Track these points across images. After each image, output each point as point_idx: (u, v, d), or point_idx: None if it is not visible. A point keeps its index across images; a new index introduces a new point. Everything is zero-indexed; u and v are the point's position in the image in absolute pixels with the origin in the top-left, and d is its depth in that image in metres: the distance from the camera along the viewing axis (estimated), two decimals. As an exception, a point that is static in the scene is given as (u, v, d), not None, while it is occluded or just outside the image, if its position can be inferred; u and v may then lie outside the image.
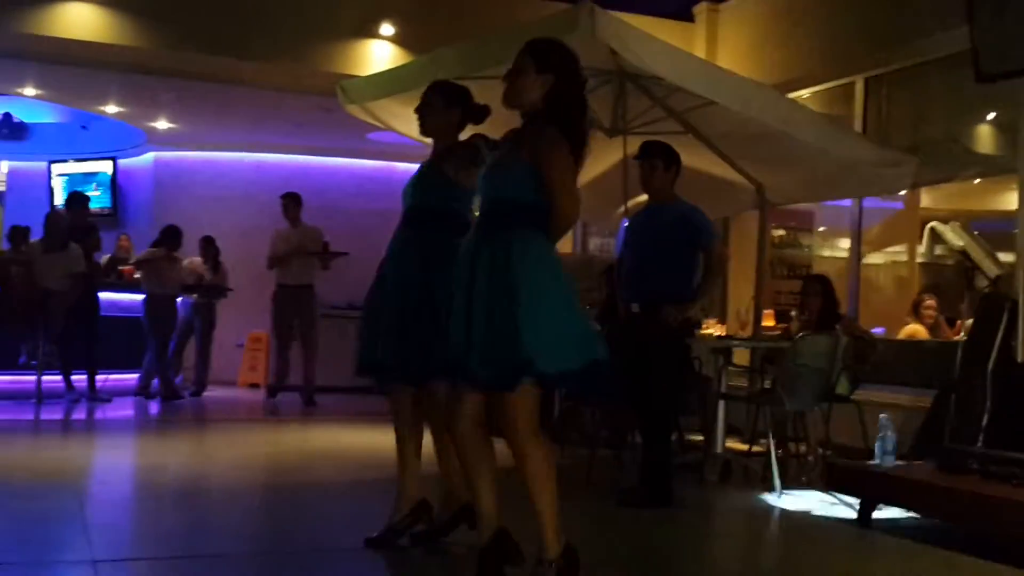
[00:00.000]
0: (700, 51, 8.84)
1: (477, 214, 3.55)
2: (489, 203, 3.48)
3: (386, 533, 4.06)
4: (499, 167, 3.50)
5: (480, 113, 4.15)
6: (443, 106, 4.15)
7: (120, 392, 9.88)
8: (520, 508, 3.34)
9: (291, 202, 10.33)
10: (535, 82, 3.44)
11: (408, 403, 4.11)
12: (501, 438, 3.35)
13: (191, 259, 10.66)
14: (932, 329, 7.31)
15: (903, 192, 8.00)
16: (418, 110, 4.21)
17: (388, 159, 12.09)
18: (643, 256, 5.39)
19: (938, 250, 8.21)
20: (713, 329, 6.87)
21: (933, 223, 8.22)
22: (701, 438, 6.59)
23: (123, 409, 9.26)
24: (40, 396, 8.91)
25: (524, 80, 3.46)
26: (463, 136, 4.19)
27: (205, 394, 10.65)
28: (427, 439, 4.15)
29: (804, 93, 8.14)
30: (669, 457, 5.35)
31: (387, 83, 6.51)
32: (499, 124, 3.79)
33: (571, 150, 3.41)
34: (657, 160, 5.40)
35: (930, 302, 7.35)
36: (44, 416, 8.44)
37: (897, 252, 8.47)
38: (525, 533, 3.41)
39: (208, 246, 10.62)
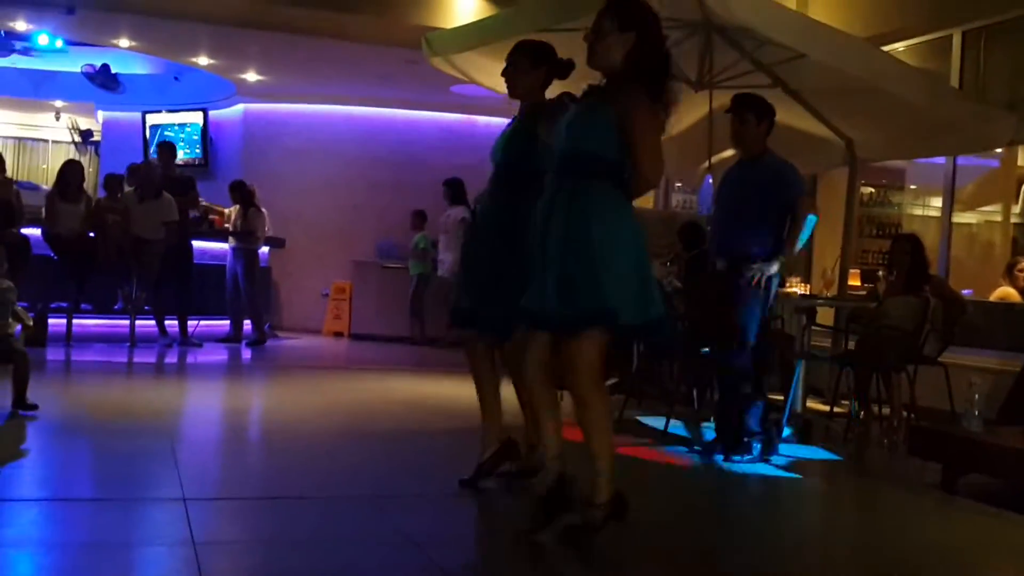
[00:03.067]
0: (791, 2, 8.61)
1: (555, 167, 3.55)
2: (569, 155, 3.48)
3: (476, 473, 4.20)
4: (581, 121, 3.49)
5: (565, 68, 4.14)
6: (530, 66, 4.16)
7: (211, 338, 10.15)
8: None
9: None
10: (616, 41, 3.44)
11: (482, 351, 4.23)
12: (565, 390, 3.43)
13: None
14: (1025, 292, 7.10)
15: (999, 150, 7.74)
16: (505, 73, 4.22)
17: (471, 112, 12.10)
18: (733, 212, 5.31)
19: (1034, 211, 7.97)
20: (797, 287, 6.76)
21: (1030, 182, 8.01)
22: (781, 397, 6.53)
23: (214, 354, 9.51)
24: (134, 340, 9.19)
25: (605, 40, 3.46)
26: (549, 93, 4.19)
27: (291, 342, 10.86)
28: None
29: (899, 46, 7.89)
30: (760, 409, 5.30)
31: (471, 36, 6.49)
32: (585, 77, 3.77)
33: (656, 108, 3.40)
34: (749, 114, 5.29)
35: (1024, 264, 7.13)
36: (138, 360, 8.69)
37: (991, 212, 8.20)
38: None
39: (232, 191, 10.58)
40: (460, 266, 4.34)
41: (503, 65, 4.32)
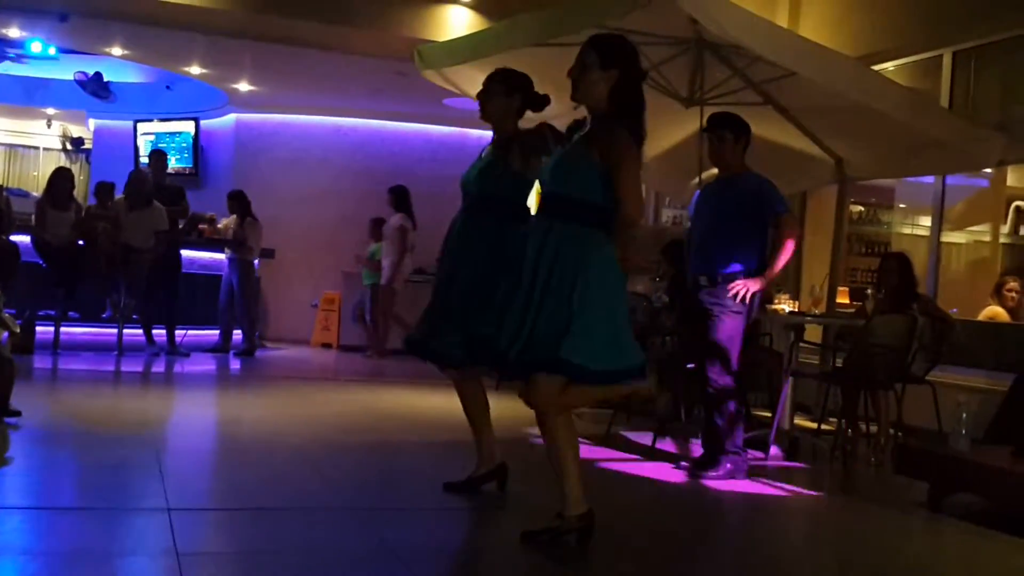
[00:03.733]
0: (782, 21, 8.65)
1: (537, 203, 3.60)
2: (555, 198, 3.53)
3: (464, 483, 4.29)
4: (567, 164, 3.55)
5: (540, 102, 4.17)
6: (504, 93, 4.20)
7: (198, 347, 10.12)
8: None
9: None
10: (600, 78, 3.51)
11: (466, 376, 4.29)
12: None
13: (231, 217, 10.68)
14: (1014, 311, 7.12)
15: (988, 170, 7.77)
16: (479, 96, 4.27)
17: (463, 125, 12.11)
18: (711, 229, 5.32)
19: (1023, 230, 8.00)
20: (785, 304, 6.77)
21: (1018, 202, 8.04)
22: (768, 414, 6.53)
23: (201, 364, 9.48)
24: (121, 349, 9.16)
25: (589, 76, 3.52)
26: (523, 123, 4.25)
27: (279, 352, 10.84)
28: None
29: (889, 66, 7.93)
30: (740, 430, 5.30)
31: (464, 49, 6.50)
32: (565, 96, 3.78)
33: (637, 145, 3.49)
34: (726, 132, 5.30)
35: (1013, 284, 7.15)
36: (125, 368, 8.67)
37: (980, 231, 8.23)
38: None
39: (231, 201, 10.54)
40: (433, 295, 4.31)
41: None
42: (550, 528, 3.57)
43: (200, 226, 10.79)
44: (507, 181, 4.05)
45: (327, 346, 12.17)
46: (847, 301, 7.62)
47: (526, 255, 3.52)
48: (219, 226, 10.70)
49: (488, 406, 4.37)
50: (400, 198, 10.73)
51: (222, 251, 10.45)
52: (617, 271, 3.48)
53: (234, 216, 10.46)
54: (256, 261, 10.64)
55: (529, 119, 4.30)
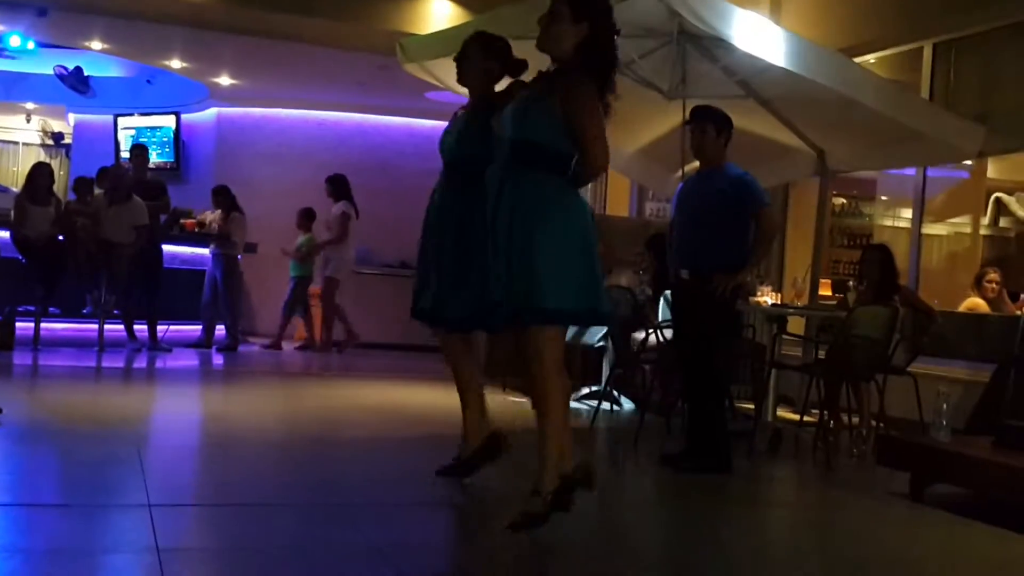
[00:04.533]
0: (764, 13, 8.66)
1: (500, 155, 3.58)
2: (514, 144, 3.51)
3: (452, 466, 4.27)
4: (527, 110, 3.53)
5: (518, 67, 4.16)
6: (481, 57, 4.19)
7: (180, 343, 10.07)
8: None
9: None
10: (569, 31, 3.48)
11: (455, 342, 4.27)
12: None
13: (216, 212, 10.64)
14: (994, 303, 7.16)
15: (969, 162, 7.81)
16: (457, 59, 4.26)
17: (446, 118, 11.94)
18: (692, 222, 5.32)
19: (1003, 222, 8.06)
20: (768, 297, 6.79)
21: (999, 194, 8.09)
22: (752, 407, 6.55)
23: (183, 359, 9.43)
24: (102, 344, 9.11)
25: (559, 27, 3.50)
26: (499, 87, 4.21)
27: (264, 348, 10.80)
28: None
29: (870, 58, 7.95)
30: (724, 424, 5.31)
31: (446, 42, 6.46)
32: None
33: (602, 99, 3.46)
34: (708, 125, 5.29)
35: (993, 275, 7.19)
36: (106, 364, 8.62)
37: (960, 223, 8.27)
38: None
39: (216, 196, 10.51)
40: (419, 263, 4.31)
41: None
42: (529, 511, 3.48)
43: (181, 220, 10.73)
44: (488, 143, 3.95)
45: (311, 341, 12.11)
46: (829, 293, 7.65)
47: (491, 206, 3.51)
48: (205, 221, 10.65)
49: (479, 376, 4.37)
50: (340, 187, 10.69)
51: (206, 246, 10.40)
52: (581, 216, 3.47)
53: (219, 211, 10.40)
54: (240, 256, 10.60)
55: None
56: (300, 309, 11.11)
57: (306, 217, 11.07)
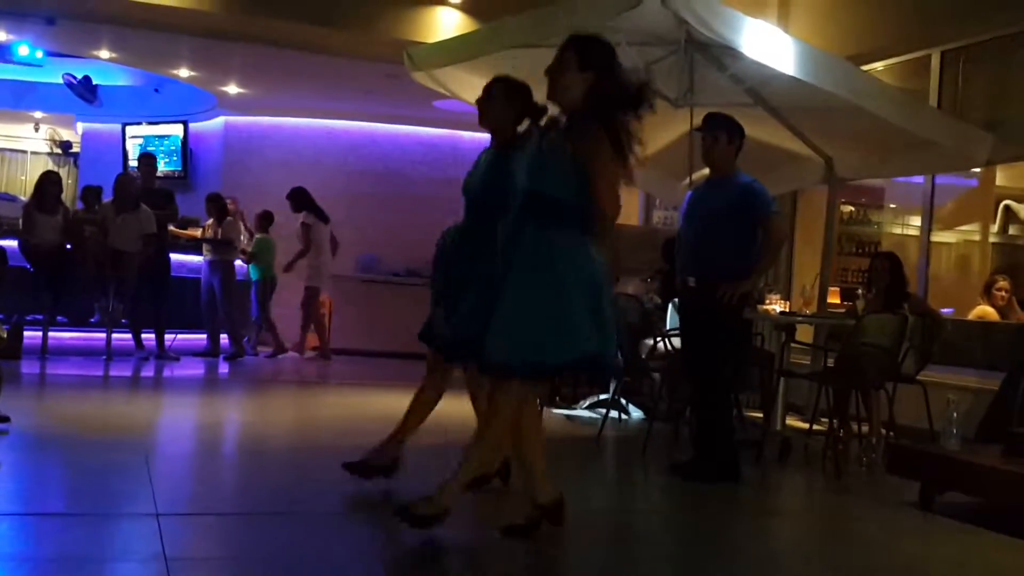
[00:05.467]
0: (772, 21, 8.66)
1: (517, 202, 3.60)
2: (529, 196, 3.53)
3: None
4: (540, 163, 3.56)
5: (539, 112, 4.15)
6: (504, 100, 4.21)
7: (188, 352, 10.07)
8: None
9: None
10: (575, 79, 3.52)
11: (474, 371, 4.21)
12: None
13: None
14: (1003, 311, 7.13)
15: (978, 169, 7.78)
16: (479, 102, 4.28)
17: (454, 127, 12.09)
18: (701, 230, 5.30)
19: (1012, 230, 8.03)
20: (777, 305, 6.76)
21: (1008, 202, 8.06)
22: (760, 415, 6.52)
23: (191, 368, 9.43)
24: (110, 353, 9.11)
25: (566, 77, 3.53)
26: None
27: (268, 356, 10.79)
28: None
29: (878, 66, 7.93)
30: (731, 433, 5.29)
31: (454, 50, 6.50)
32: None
33: (615, 146, 3.46)
34: (720, 132, 5.29)
35: (1003, 283, 7.15)
36: (113, 373, 8.62)
37: (969, 231, 8.25)
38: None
39: (208, 203, 10.49)
40: (439, 297, 4.30)
41: (484, 80, 4.35)
42: (528, 521, 3.62)
43: (177, 230, 10.64)
44: (508, 186, 3.98)
45: (317, 349, 12.12)
46: (838, 301, 7.62)
47: (503, 253, 3.55)
48: (200, 235, 10.61)
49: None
50: (299, 200, 10.72)
51: (201, 254, 10.37)
52: (583, 267, 3.46)
53: (211, 219, 10.37)
54: (236, 262, 10.58)
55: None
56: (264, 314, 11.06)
57: (263, 219, 11.00)
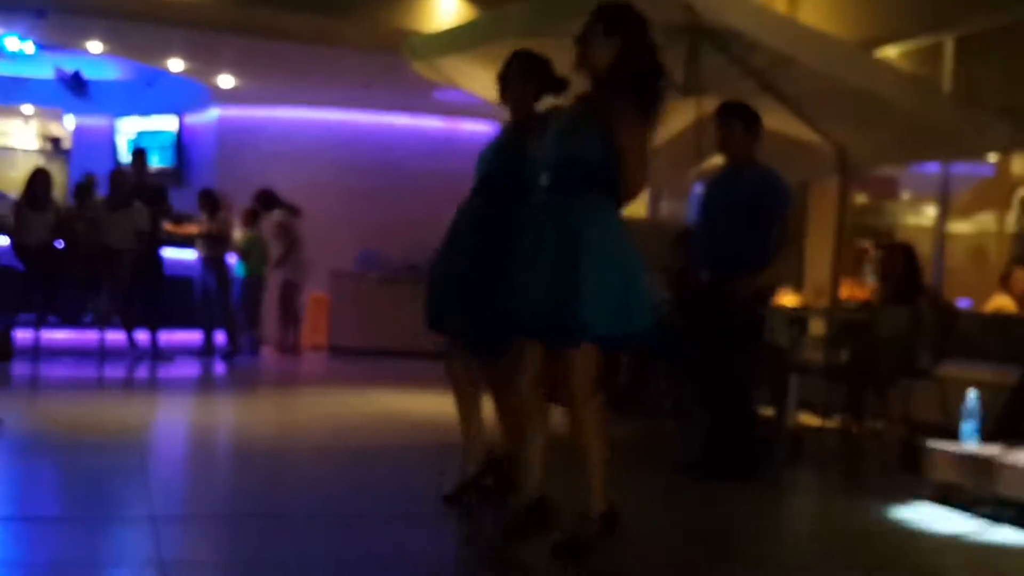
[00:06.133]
0: (781, 6, 8.57)
1: (545, 176, 3.55)
2: (559, 166, 3.51)
3: (458, 489, 4.14)
4: (570, 131, 3.54)
5: (559, 85, 4.13)
6: (521, 77, 4.16)
7: (182, 350, 9.95)
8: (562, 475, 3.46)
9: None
10: (603, 45, 3.49)
11: (462, 365, 4.17)
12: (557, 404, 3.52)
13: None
14: (1022, 302, 7.01)
15: (993, 159, 7.68)
16: (499, 78, 4.21)
17: (454, 117, 11.98)
18: (717, 222, 5.23)
19: (1029, 219, 7.91)
20: (788, 298, 6.65)
21: (1025, 191, 7.95)
22: (772, 412, 6.41)
23: (186, 367, 9.33)
24: (103, 353, 8.98)
25: (592, 44, 3.51)
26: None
27: (268, 354, 10.69)
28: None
29: (890, 52, 7.84)
30: (751, 430, 5.17)
31: (455, 40, 6.41)
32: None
33: (643, 114, 3.44)
34: (736, 121, 5.21)
35: (1021, 273, 7.05)
36: (107, 373, 8.56)
37: (986, 221, 8.16)
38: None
39: (201, 198, 10.35)
40: (438, 278, 4.20)
41: (486, 70, 4.30)
42: (578, 536, 3.43)
43: (173, 227, 10.49)
44: (523, 163, 3.95)
45: (316, 348, 12.00)
46: (851, 293, 7.50)
47: (534, 224, 3.49)
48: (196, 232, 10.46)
49: (481, 401, 4.26)
50: (266, 202, 10.66)
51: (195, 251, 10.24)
52: (622, 234, 3.45)
53: (204, 215, 10.23)
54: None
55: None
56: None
57: (250, 215, 10.80)
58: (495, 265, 3.82)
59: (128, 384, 8.36)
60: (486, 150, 4.23)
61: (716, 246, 5.16)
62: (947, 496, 4.71)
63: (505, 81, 4.17)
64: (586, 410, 3.41)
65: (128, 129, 13.50)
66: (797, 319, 6.34)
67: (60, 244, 9.08)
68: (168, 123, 13.28)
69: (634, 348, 3.79)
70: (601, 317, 3.32)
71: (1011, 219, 7.89)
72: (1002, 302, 7.01)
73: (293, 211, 10.84)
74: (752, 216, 5.09)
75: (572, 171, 3.44)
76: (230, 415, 7.02)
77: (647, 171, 3.47)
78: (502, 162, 4.10)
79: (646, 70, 3.48)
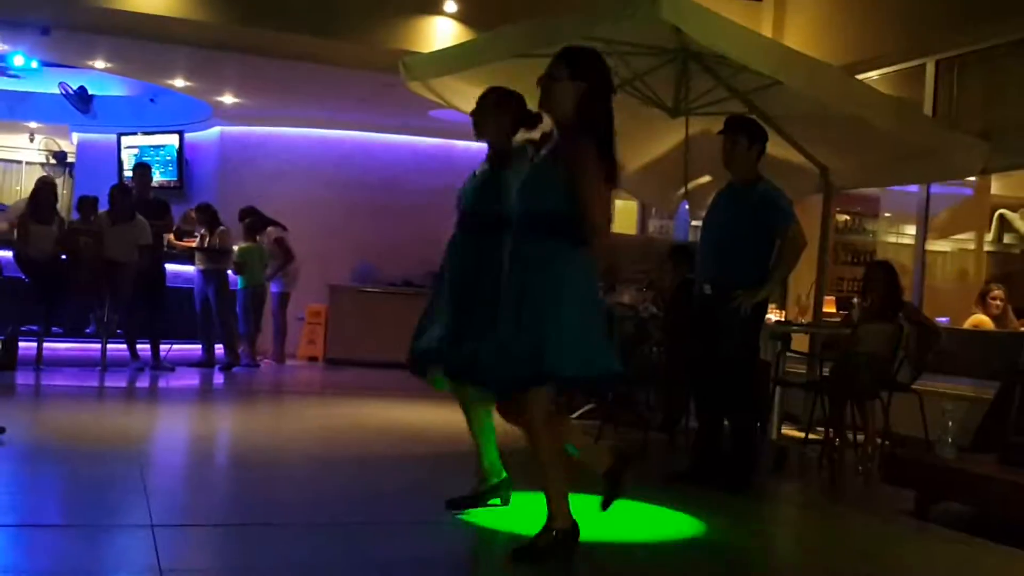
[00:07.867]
0: (767, 30, 8.69)
1: (514, 224, 3.62)
2: (526, 215, 3.55)
3: (466, 498, 4.22)
4: (535, 179, 3.58)
5: (532, 120, 4.17)
6: (496, 110, 4.21)
7: (183, 362, 10.05)
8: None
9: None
10: (568, 89, 3.51)
11: (466, 389, 4.20)
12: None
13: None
14: (998, 319, 7.14)
15: (973, 179, 7.79)
16: (473, 114, 4.28)
17: (449, 137, 12.10)
18: (719, 237, 5.26)
19: (1007, 238, 8.04)
20: (772, 314, 6.76)
21: (1002, 210, 8.08)
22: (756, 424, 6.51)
23: (186, 379, 9.41)
24: (105, 364, 9.08)
25: (558, 86, 3.53)
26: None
27: (266, 366, 10.76)
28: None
29: (873, 75, 7.96)
30: (752, 443, 5.26)
31: (449, 60, 6.49)
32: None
33: (602, 161, 3.47)
34: (741, 136, 5.23)
35: (997, 292, 7.16)
36: (109, 384, 8.60)
37: (964, 240, 8.26)
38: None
39: (199, 213, 10.47)
40: (435, 313, 4.28)
41: (480, 90, 4.35)
42: (537, 543, 3.51)
43: (175, 241, 10.61)
44: (503, 197, 3.99)
45: (313, 359, 12.12)
46: (833, 310, 7.62)
47: (506, 273, 3.57)
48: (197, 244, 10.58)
49: (491, 418, 4.30)
50: (252, 226, 10.66)
51: (193, 264, 10.34)
52: (586, 280, 3.50)
53: (203, 229, 10.32)
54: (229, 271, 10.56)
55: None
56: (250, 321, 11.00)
57: (249, 228, 10.87)
58: (477, 296, 3.93)
59: (129, 394, 8.41)
60: (467, 186, 4.29)
61: (719, 260, 5.21)
62: (926, 508, 4.78)
63: (480, 117, 4.24)
64: (541, 438, 3.49)
65: (131, 144, 13.63)
66: (781, 334, 6.45)
67: (64, 257, 9.19)
68: (171, 139, 13.40)
69: (591, 390, 3.88)
70: (566, 363, 3.39)
71: (989, 238, 8.01)
72: (979, 319, 7.14)
73: (282, 226, 11.06)
74: (753, 232, 5.14)
75: (536, 223, 3.50)
76: (226, 426, 7.03)
77: (605, 215, 3.52)
78: (479, 200, 4.17)
79: (605, 116, 3.53)
